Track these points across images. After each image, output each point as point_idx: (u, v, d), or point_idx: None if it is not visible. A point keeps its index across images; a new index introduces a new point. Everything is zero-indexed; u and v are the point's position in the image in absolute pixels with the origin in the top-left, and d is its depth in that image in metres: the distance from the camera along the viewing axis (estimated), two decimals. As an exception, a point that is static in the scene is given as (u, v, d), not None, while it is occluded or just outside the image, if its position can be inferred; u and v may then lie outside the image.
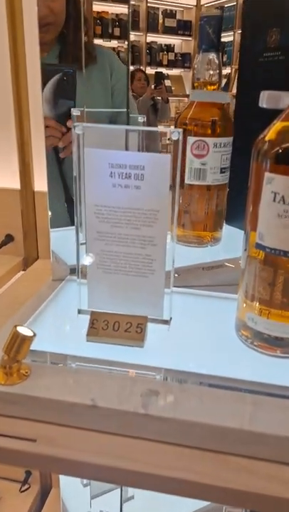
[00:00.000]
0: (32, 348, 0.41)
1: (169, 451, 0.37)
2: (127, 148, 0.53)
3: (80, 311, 0.49)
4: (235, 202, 0.76)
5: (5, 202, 0.70)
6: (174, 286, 0.51)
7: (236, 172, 0.70)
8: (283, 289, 0.41)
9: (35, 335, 0.40)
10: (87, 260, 0.48)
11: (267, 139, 0.39)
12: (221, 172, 0.68)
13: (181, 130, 0.42)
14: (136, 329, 0.44)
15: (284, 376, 0.41)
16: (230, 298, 0.56)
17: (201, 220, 0.71)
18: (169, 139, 0.44)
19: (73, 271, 0.63)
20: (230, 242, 0.74)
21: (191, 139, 0.66)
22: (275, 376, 0.41)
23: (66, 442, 0.38)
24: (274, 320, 0.42)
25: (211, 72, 0.65)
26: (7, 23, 0.66)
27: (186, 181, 0.67)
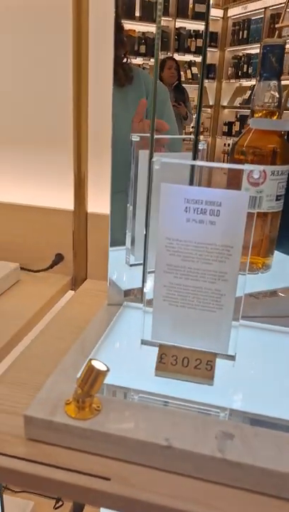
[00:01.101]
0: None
1: (246, 498, 0.37)
2: (191, 181, 0.52)
3: (143, 342, 0.49)
4: (286, 227, 0.75)
5: (58, 223, 0.70)
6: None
7: (287, 197, 0.69)
8: None
9: (108, 370, 0.40)
10: (148, 287, 0.48)
11: None
12: (277, 199, 0.67)
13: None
14: (206, 366, 0.44)
15: None
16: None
17: (254, 246, 0.70)
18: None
19: (127, 294, 0.63)
20: (281, 269, 0.73)
21: (247, 167, 0.65)
22: None
23: (140, 482, 0.38)
24: None
25: (272, 100, 0.65)
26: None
27: (241, 208, 0.67)
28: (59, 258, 0.72)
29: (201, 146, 0.62)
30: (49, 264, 0.72)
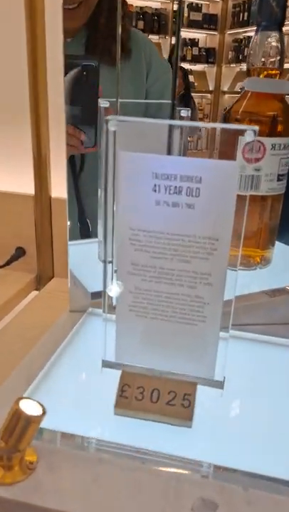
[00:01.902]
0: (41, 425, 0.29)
1: None
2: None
3: (105, 364, 0.37)
4: (287, 214, 0.63)
5: (17, 209, 0.58)
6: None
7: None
8: None
9: (44, 413, 0.29)
10: (113, 291, 0.36)
11: None
12: (278, 180, 0.55)
13: (256, 129, 0.30)
14: (182, 402, 0.32)
15: None
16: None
17: (251, 236, 0.58)
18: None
19: (95, 297, 0.51)
20: (284, 263, 0.61)
21: (243, 139, 0.53)
22: None
23: None
24: None
25: (272, 55, 0.52)
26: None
27: (235, 190, 0.55)
28: (20, 252, 0.60)
29: (183, 114, 0.50)
30: (7, 259, 0.60)
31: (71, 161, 0.52)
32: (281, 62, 0.53)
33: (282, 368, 0.41)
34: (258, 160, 0.54)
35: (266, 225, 0.59)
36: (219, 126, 0.43)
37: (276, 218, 0.60)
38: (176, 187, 0.31)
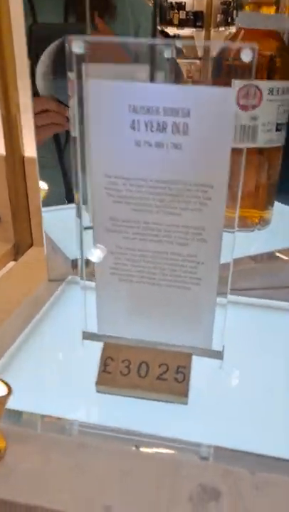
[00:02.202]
0: (10, 406, 0.25)
1: None
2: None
3: (85, 336, 0.33)
4: (286, 172, 0.58)
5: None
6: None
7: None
8: None
9: (10, 392, 0.24)
10: (96, 255, 0.31)
11: None
12: (277, 130, 0.50)
13: (256, 46, 0.25)
14: (175, 375, 0.28)
15: None
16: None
17: (248, 196, 0.53)
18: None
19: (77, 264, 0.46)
20: (283, 225, 0.56)
21: (237, 83, 0.47)
22: None
23: None
24: None
25: (268, -16, 0.46)
26: None
27: (229, 143, 0.49)
28: (-6, 220, 0.55)
29: (166, 55, 0.44)
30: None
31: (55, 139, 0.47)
32: (277, -7, 0.47)
33: (287, 333, 0.36)
34: (254, 107, 0.48)
35: (264, 182, 0.53)
36: (212, 43, 0.37)
37: (275, 175, 0.54)
38: (159, 123, 0.26)
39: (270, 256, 0.48)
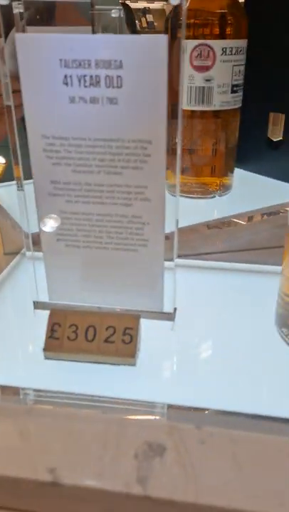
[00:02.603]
0: None
1: None
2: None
3: (36, 305, 0.32)
4: (247, 135, 0.57)
5: None
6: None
7: (247, 92, 0.51)
8: None
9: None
10: (48, 225, 0.30)
11: None
12: (232, 91, 0.49)
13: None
14: (122, 337, 0.28)
15: None
16: (256, 270, 0.40)
17: (206, 162, 0.52)
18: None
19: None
20: (244, 190, 0.56)
21: (189, 43, 0.46)
22: None
23: None
24: None
25: None
26: None
27: (185, 106, 0.49)
28: None
29: (114, 14, 0.42)
30: None
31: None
32: None
33: (248, 294, 0.36)
34: (207, 68, 0.47)
35: (222, 147, 0.53)
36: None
37: (233, 139, 0.54)
38: (92, 76, 0.25)
39: (229, 221, 0.48)
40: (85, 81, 0.25)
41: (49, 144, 0.27)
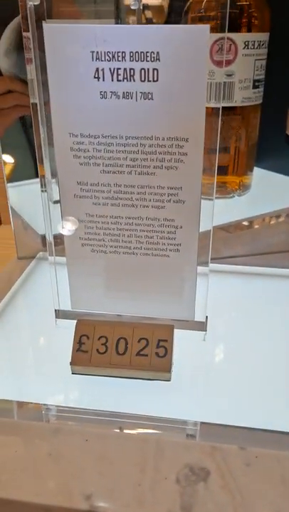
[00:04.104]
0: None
1: None
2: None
3: (58, 314, 0.30)
4: (265, 132, 0.55)
5: None
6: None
7: (268, 89, 0.49)
8: None
9: None
10: (66, 229, 0.29)
11: None
12: (254, 87, 0.47)
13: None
14: (156, 350, 0.26)
15: None
16: (281, 275, 0.38)
17: (226, 160, 0.50)
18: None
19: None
20: (263, 190, 0.54)
21: (210, 37, 0.44)
22: None
23: None
24: None
25: None
26: None
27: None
28: None
29: (134, 6, 0.40)
30: None
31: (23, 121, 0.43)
32: None
33: (274, 299, 0.35)
34: (229, 62, 0.45)
35: (244, 144, 0.51)
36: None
37: (254, 137, 0.52)
38: (126, 69, 0.23)
39: (250, 222, 0.46)
40: (118, 74, 0.23)
41: (77, 143, 0.25)
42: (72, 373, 0.26)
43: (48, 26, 0.23)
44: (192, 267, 0.28)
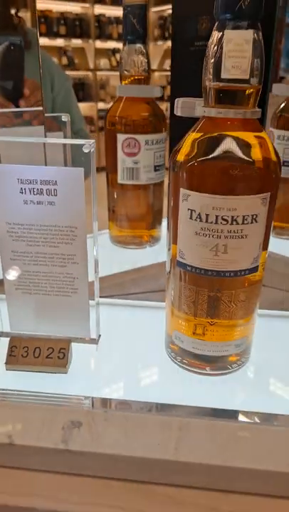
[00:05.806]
0: None
1: (93, 484, 0.36)
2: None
3: (1, 334, 0.46)
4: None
5: None
6: (105, 297, 0.50)
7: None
8: (208, 307, 0.39)
9: None
10: (5, 278, 0.45)
11: (181, 151, 0.37)
12: (155, 170, 0.65)
13: (93, 142, 0.39)
14: (58, 354, 0.42)
15: (214, 396, 0.40)
16: (161, 307, 0.55)
17: (139, 220, 0.68)
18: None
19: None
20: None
21: (121, 137, 0.62)
22: (205, 397, 0.40)
23: (-18, 485, 0.36)
24: (200, 339, 0.41)
25: (138, 64, 0.62)
26: None
27: (119, 181, 0.65)
28: None
29: (64, 118, 0.58)
30: None
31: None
32: (148, 69, 0.63)
33: (151, 325, 0.51)
34: (135, 154, 0.63)
35: (151, 208, 0.69)
36: (63, 141, 0.52)
37: (159, 203, 0.70)
38: (38, 189, 0.40)
39: (153, 265, 0.63)
40: (34, 191, 0.40)
41: (11, 228, 0.42)
42: (6, 370, 0.42)
43: (-8, 165, 0.40)
44: (85, 302, 0.44)
